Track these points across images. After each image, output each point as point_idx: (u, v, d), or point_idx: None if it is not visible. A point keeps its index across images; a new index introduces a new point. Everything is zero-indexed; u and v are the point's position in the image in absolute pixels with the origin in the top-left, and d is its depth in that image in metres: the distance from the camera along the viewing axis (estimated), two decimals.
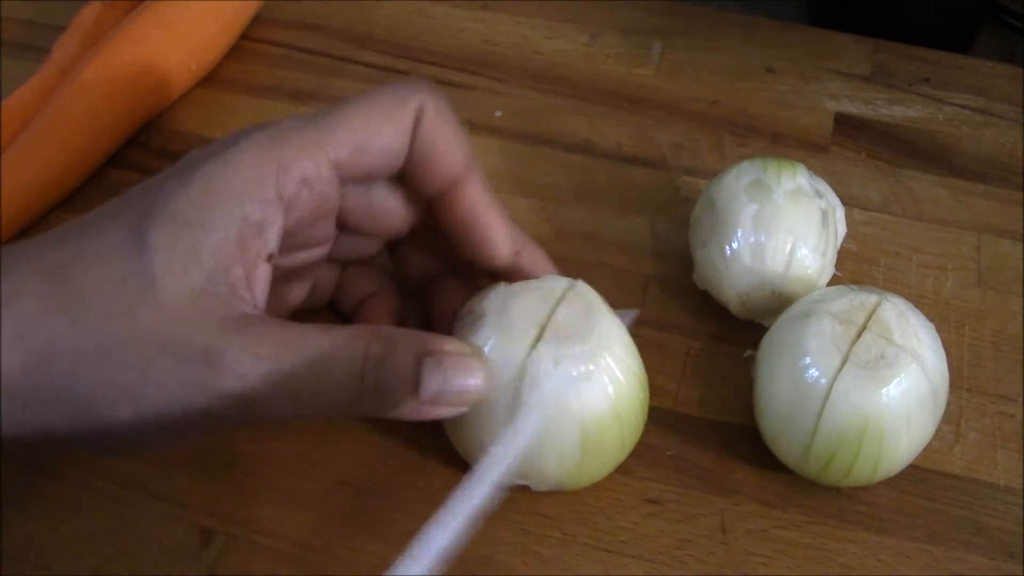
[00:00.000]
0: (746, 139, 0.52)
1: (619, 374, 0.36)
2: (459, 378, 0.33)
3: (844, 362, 0.36)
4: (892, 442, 0.36)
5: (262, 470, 0.40)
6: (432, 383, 0.32)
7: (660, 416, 0.41)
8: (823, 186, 0.43)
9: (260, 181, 0.32)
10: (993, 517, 0.39)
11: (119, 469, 0.40)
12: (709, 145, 0.52)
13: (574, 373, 0.35)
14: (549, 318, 0.36)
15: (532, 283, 0.38)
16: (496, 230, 0.38)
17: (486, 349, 0.36)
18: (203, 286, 0.31)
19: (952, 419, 0.41)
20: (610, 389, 0.36)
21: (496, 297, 0.37)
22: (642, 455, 0.40)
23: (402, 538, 0.38)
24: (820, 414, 0.36)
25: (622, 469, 0.40)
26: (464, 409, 0.34)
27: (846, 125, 0.53)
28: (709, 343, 0.44)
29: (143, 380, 0.31)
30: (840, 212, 0.43)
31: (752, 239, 0.41)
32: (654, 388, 0.42)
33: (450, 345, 0.33)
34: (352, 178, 0.35)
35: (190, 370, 0.31)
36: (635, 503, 0.39)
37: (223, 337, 0.31)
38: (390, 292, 0.42)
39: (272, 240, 0.33)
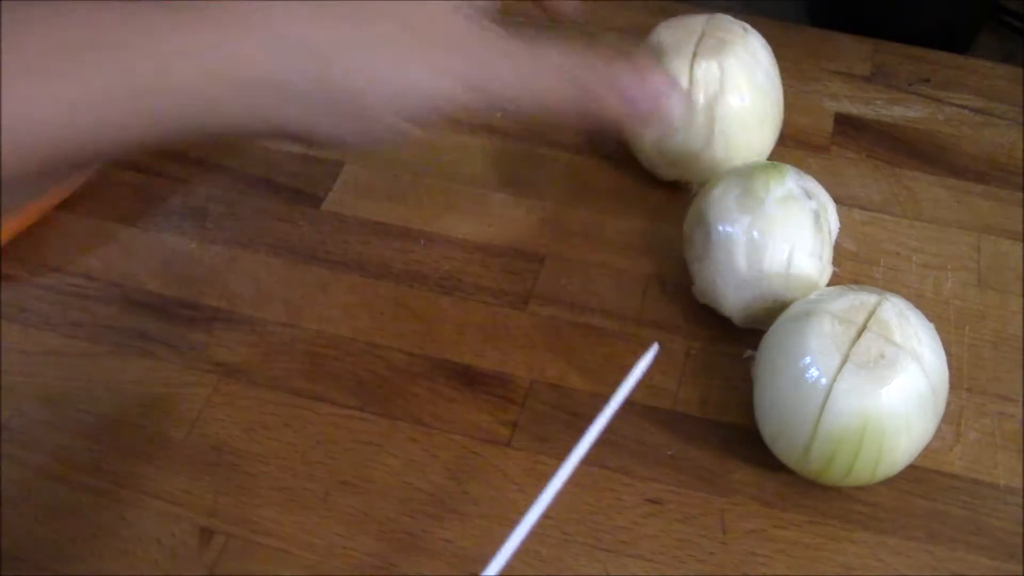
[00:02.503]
0: None
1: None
2: (658, 89, 0.35)
3: (844, 362, 0.35)
4: (892, 442, 0.36)
5: (262, 470, 0.40)
6: (634, 92, 0.35)
7: (660, 416, 0.41)
8: (811, 184, 0.43)
9: None
10: (993, 517, 0.39)
11: (119, 470, 0.40)
12: None
13: None
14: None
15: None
16: None
17: None
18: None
19: (952, 419, 0.41)
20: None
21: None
22: (642, 455, 0.40)
23: (402, 538, 0.38)
24: (820, 414, 0.36)
25: (622, 469, 0.40)
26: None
27: (846, 125, 0.53)
28: (709, 343, 0.44)
29: (403, 69, 0.32)
30: (831, 208, 0.43)
31: (748, 251, 0.40)
32: (654, 388, 0.42)
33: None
34: None
35: (445, 59, 0.33)
36: (635, 503, 0.39)
37: (471, 38, 0.33)
38: None
39: None
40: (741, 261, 0.41)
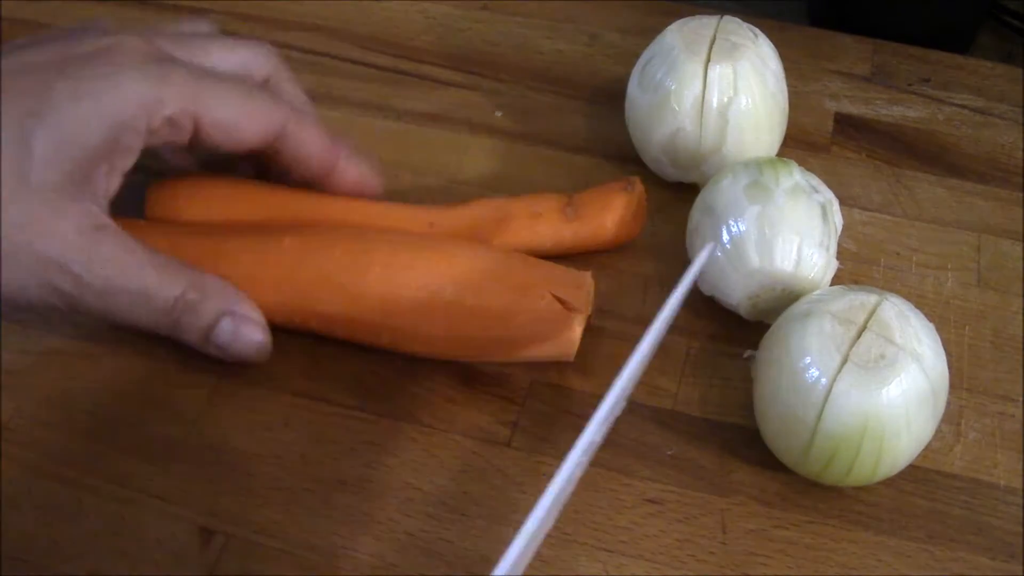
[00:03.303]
0: None
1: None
2: (243, 343, 0.40)
3: (844, 362, 0.36)
4: (892, 442, 0.36)
5: (262, 470, 0.40)
6: (221, 339, 0.40)
7: (660, 416, 0.41)
8: (815, 181, 0.43)
9: (138, 115, 0.37)
10: (993, 517, 0.39)
11: (119, 470, 0.40)
12: None
13: None
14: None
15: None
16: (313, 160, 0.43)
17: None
18: (72, 195, 0.37)
19: (952, 419, 0.41)
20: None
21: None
22: (642, 455, 0.40)
23: (402, 538, 0.38)
24: (820, 414, 0.36)
25: (622, 469, 0.40)
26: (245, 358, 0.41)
27: (846, 125, 0.53)
28: (709, 343, 0.44)
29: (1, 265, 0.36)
30: (836, 204, 0.43)
31: (758, 241, 0.41)
32: (654, 388, 0.42)
33: (250, 312, 0.40)
34: (202, 137, 0.40)
35: (42, 269, 0.37)
36: (635, 503, 0.39)
37: (76, 251, 0.37)
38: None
39: (135, 157, 0.39)
40: (751, 251, 0.41)
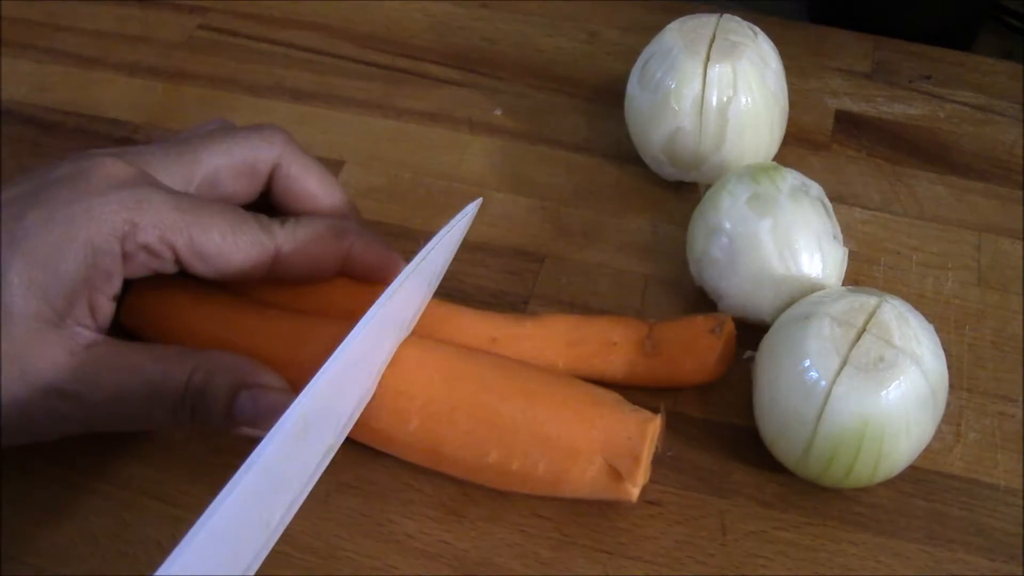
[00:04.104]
0: None
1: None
2: (268, 414, 0.35)
3: (843, 364, 0.35)
4: (892, 444, 0.36)
5: None
6: (244, 414, 0.36)
7: None
8: (799, 176, 0.42)
9: (112, 238, 0.36)
10: (993, 518, 0.39)
11: (119, 471, 0.40)
12: None
13: None
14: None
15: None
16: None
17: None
18: (55, 322, 0.35)
19: (952, 419, 0.41)
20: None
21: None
22: None
23: (402, 538, 0.38)
24: (819, 416, 0.36)
25: None
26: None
27: (847, 123, 0.53)
28: None
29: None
30: (821, 191, 0.43)
31: (781, 252, 0.40)
32: (654, 389, 0.42)
33: (265, 378, 0.37)
34: (185, 266, 0.38)
35: (40, 397, 0.35)
36: (635, 504, 0.39)
37: (69, 371, 0.35)
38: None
39: (117, 283, 0.37)
40: (775, 264, 0.40)
